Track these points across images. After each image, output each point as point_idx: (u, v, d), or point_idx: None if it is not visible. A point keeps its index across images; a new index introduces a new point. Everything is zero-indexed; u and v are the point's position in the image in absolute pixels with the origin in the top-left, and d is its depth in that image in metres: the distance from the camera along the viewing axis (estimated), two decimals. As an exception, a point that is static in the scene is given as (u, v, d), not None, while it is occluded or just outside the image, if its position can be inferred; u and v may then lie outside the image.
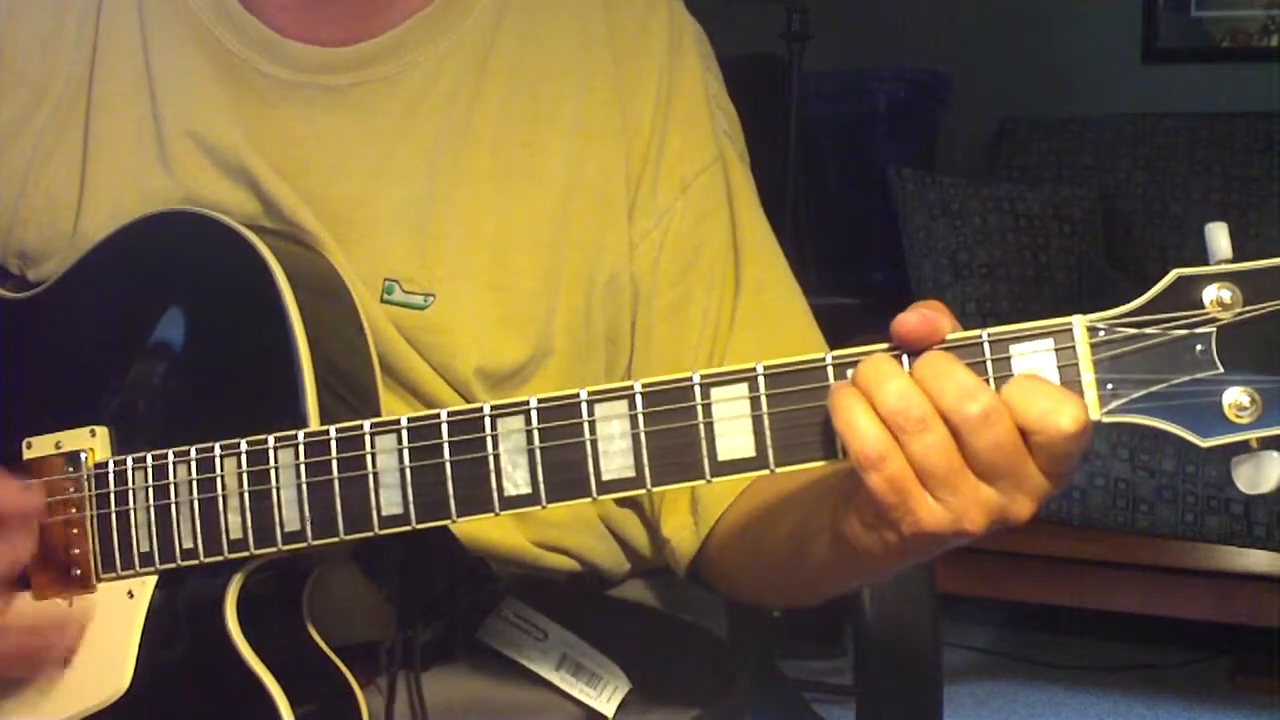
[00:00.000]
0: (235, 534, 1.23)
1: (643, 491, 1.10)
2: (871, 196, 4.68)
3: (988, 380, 1.02)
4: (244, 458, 1.23)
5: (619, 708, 1.41)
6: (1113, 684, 3.99)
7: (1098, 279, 4.35)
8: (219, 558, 1.24)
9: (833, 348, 1.07)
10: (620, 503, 1.45)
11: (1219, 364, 0.99)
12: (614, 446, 1.10)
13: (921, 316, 1.03)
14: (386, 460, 1.17)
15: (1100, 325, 1.01)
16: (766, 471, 1.07)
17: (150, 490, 1.27)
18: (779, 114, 4.30)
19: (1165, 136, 4.60)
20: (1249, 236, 4.19)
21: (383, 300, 1.37)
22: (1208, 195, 4.43)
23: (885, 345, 1.05)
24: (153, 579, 1.28)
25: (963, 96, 4.97)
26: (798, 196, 4.25)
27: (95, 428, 1.31)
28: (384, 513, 1.17)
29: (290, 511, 1.20)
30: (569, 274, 1.40)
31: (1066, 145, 4.71)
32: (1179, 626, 3.88)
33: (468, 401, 1.37)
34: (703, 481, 1.09)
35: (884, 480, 1.01)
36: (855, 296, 4.11)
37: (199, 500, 1.24)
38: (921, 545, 1.05)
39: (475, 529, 1.35)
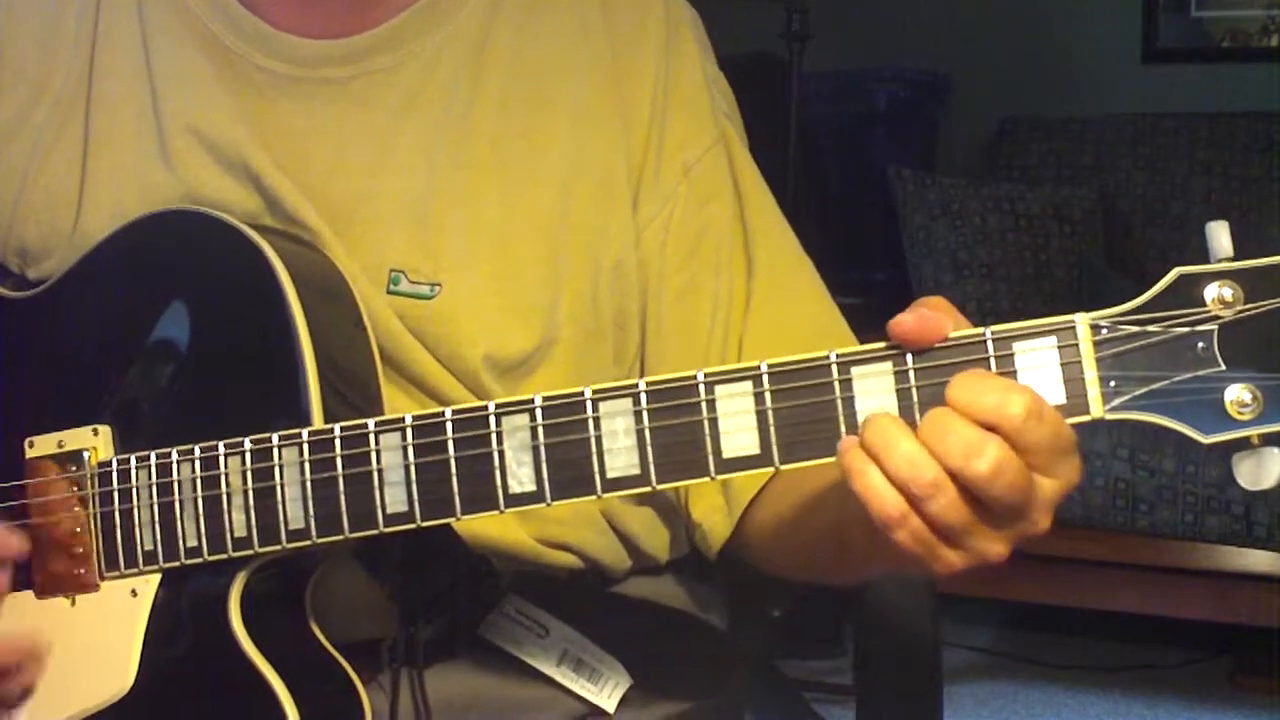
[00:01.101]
0: (239, 532, 1.23)
1: (648, 489, 1.11)
2: (871, 196, 4.68)
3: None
4: (248, 456, 1.23)
5: (620, 703, 1.41)
6: (1113, 684, 3.98)
7: (1098, 279, 4.35)
8: (223, 556, 1.24)
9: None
10: (628, 499, 1.45)
11: (1221, 361, 1.00)
12: (618, 444, 1.11)
13: (919, 317, 1.04)
14: (391, 458, 1.17)
15: (1103, 323, 1.02)
16: (771, 469, 1.08)
17: (154, 489, 1.27)
18: (779, 114, 4.29)
19: (1165, 136, 4.60)
20: (1249, 237, 4.18)
21: (389, 291, 1.37)
22: (1208, 195, 4.43)
23: (883, 344, 1.06)
24: (156, 578, 1.28)
25: (963, 96, 4.97)
26: (798, 196, 4.24)
27: (98, 426, 1.31)
28: (389, 511, 1.18)
29: (294, 510, 1.21)
30: (572, 262, 1.41)
31: (1066, 145, 4.71)
32: (1179, 626, 3.88)
33: (474, 392, 1.38)
34: (707, 479, 1.09)
35: (907, 536, 1.03)
36: (855, 296, 4.07)
37: (203, 498, 1.24)
38: None
39: (478, 525, 1.35)
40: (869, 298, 4.46)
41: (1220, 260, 1.01)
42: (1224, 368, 0.99)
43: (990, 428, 1.00)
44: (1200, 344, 1.00)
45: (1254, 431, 0.99)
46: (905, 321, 1.04)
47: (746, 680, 1.59)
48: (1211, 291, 1.00)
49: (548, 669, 1.41)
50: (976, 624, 4.28)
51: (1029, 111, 4.83)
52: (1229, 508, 3.61)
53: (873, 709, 1.65)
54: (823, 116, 4.73)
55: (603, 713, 1.41)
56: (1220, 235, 1.01)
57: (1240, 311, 0.99)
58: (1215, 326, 1.00)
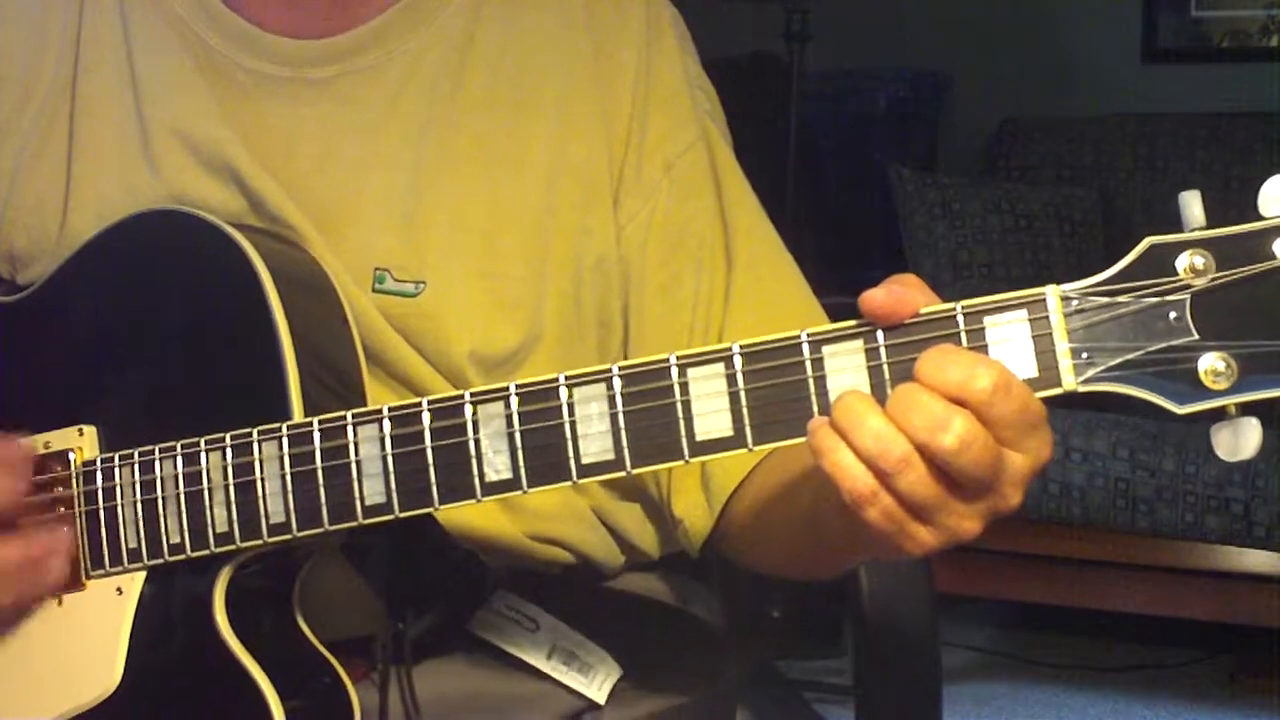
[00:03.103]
0: (221, 528, 1.23)
1: (623, 474, 1.10)
2: (871, 196, 4.68)
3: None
4: (228, 451, 1.23)
5: (610, 695, 1.41)
6: (1113, 684, 3.98)
7: (1098, 279, 4.35)
8: (205, 552, 1.24)
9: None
10: (617, 494, 1.46)
11: (1194, 330, 0.99)
12: (593, 429, 1.10)
13: (890, 292, 1.04)
14: (369, 449, 1.17)
15: (1074, 295, 1.02)
16: (745, 450, 1.07)
17: (137, 486, 1.27)
18: (779, 114, 4.30)
19: (1165, 136, 4.60)
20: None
21: (374, 289, 1.38)
22: (1208, 195, 4.42)
23: (855, 322, 1.05)
24: (141, 575, 1.28)
25: (963, 96, 4.97)
26: (798, 196, 4.24)
27: (83, 427, 1.31)
28: (367, 502, 1.18)
29: (275, 504, 1.21)
30: (556, 258, 1.41)
31: (1066, 145, 4.70)
32: (1179, 626, 3.88)
33: (461, 390, 1.37)
34: (681, 462, 1.09)
35: (879, 514, 1.02)
36: (855, 296, 4.09)
37: (185, 495, 1.24)
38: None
39: (468, 520, 1.35)
40: (868, 298, 4.47)
41: (1193, 229, 1.00)
42: (1197, 337, 0.99)
43: (958, 402, 0.99)
44: (1172, 314, 0.99)
45: (1228, 401, 0.99)
46: (876, 296, 1.04)
47: (740, 675, 1.59)
48: (1183, 261, 0.99)
49: (538, 663, 1.41)
50: (976, 624, 4.27)
51: (1029, 111, 4.83)
52: (1229, 508, 3.61)
53: (872, 709, 1.65)
54: (823, 116, 4.74)
55: (594, 706, 1.41)
56: (1193, 205, 1.01)
57: (1213, 280, 0.98)
58: (1187, 296, 0.99)
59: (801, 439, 1.05)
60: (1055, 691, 3.95)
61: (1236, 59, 4.89)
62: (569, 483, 1.12)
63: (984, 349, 1.02)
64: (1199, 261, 0.99)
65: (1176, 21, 4.94)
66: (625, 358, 1.43)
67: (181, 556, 1.25)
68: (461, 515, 1.22)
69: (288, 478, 1.20)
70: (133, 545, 1.27)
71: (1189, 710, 3.84)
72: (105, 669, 1.28)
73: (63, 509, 1.30)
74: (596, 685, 1.41)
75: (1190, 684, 3.97)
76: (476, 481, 1.14)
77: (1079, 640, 4.20)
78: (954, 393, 0.99)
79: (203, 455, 1.24)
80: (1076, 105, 4.84)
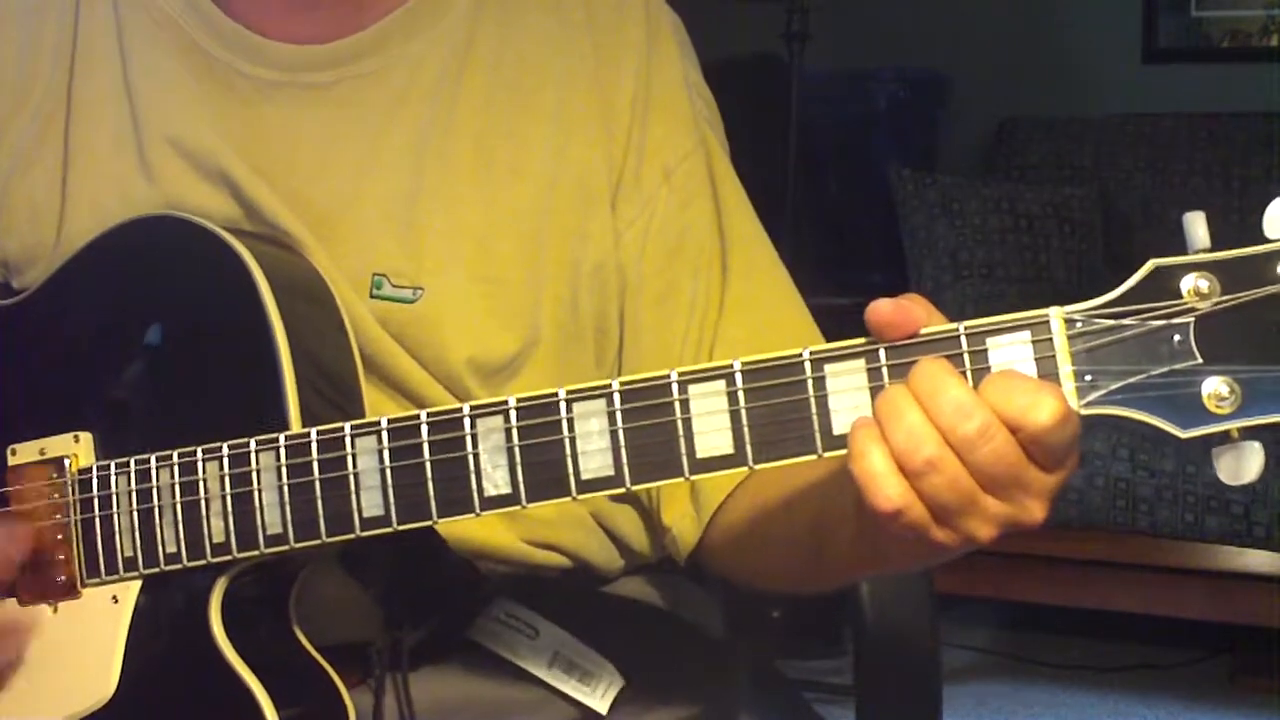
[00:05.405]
0: (218, 537, 1.23)
1: (622, 490, 1.10)
2: (871, 196, 4.67)
3: (965, 374, 1.02)
4: (225, 461, 1.22)
5: (612, 705, 1.41)
6: (1113, 684, 3.99)
7: (1097, 279, 4.35)
8: (201, 561, 1.23)
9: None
10: (613, 497, 1.44)
11: (1197, 354, 0.99)
12: (593, 445, 1.10)
13: (896, 305, 1.04)
14: (367, 461, 1.17)
15: (1077, 317, 1.01)
16: (745, 469, 1.07)
17: (133, 495, 1.26)
18: (779, 114, 4.30)
19: (1165, 136, 4.60)
20: (1249, 238, 4.18)
21: (372, 296, 1.37)
22: (1208, 195, 4.43)
23: (862, 340, 1.05)
24: (137, 584, 1.28)
25: (963, 96, 4.97)
26: (797, 196, 4.24)
27: (79, 434, 1.31)
28: (365, 514, 1.17)
29: (272, 514, 1.20)
30: (553, 263, 1.40)
31: (1066, 145, 4.71)
32: (1179, 626, 3.88)
33: (458, 396, 1.37)
34: (681, 479, 1.09)
35: (903, 527, 1.02)
36: (854, 297, 4.09)
37: (181, 504, 1.24)
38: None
39: (465, 528, 1.34)
40: (867, 298, 4.45)
41: (1197, 251, 1.00)
42: (1201, 360, 0.98)
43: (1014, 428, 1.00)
44: (1176, 337, 0.99)
45: (1232, 425, 0.98)
46: (883, 307, 1.04)
47: (742, 681, 1.59)
48: (1188, 283, 0.99)
49: (539, 671, 1.40)
50: (976, 624, 4.28)
51: (1029, 111, 4.83)
52: (1229, 508, 3.61)
53: (873, 709, 1.65)
54: (823, 116, 4.74)
55: (595, 714, 1.41)
56: (1197, 226, 1.01)
57: (1217, 303, 0.98)
58: (1192, 319, 0.99)
59: (802, 458, 1.05)
60: (1055, 691, 3.96)
61: (1236, 59, 4.90)
62: (568, 498, 1.11)
63: (986, 370, 1.02)
64: (1203, 284, 0.98)
65: (1176, 21, 4.95)
66: (620, 365, 1.43)
67: (178, 566, 1.24)
68: (458, 523, 1.21)
69: (285, 489, 1.20)
70: (129, 554, 1.27)
71: (1189, 710, 3.84)
72: (101, 677, 1.28)
73: (58, 516, 1.30)
74: (598, 695, 1.40)
75: (1190, 684, 3.98)
76: (475, 496, 1.13)
77: (1079, 640, 4.21)
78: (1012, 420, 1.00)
79: (199, 465, 1.23)
80: (1076, 105, 4.84)
